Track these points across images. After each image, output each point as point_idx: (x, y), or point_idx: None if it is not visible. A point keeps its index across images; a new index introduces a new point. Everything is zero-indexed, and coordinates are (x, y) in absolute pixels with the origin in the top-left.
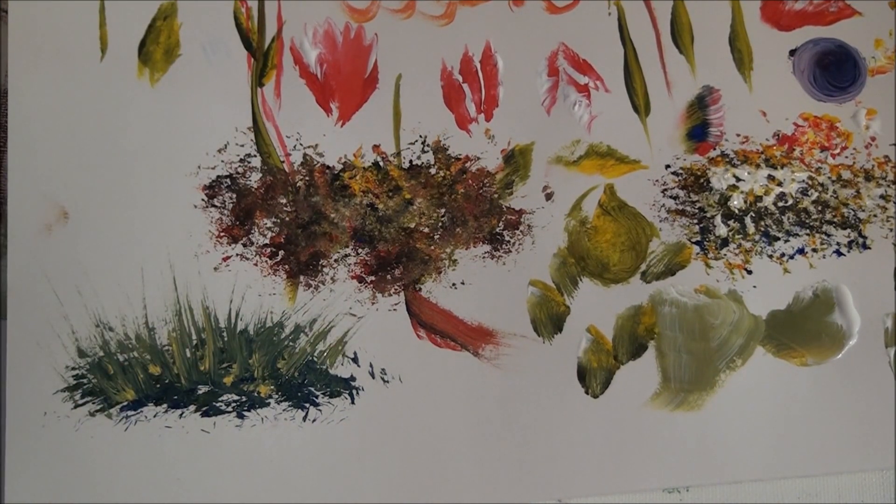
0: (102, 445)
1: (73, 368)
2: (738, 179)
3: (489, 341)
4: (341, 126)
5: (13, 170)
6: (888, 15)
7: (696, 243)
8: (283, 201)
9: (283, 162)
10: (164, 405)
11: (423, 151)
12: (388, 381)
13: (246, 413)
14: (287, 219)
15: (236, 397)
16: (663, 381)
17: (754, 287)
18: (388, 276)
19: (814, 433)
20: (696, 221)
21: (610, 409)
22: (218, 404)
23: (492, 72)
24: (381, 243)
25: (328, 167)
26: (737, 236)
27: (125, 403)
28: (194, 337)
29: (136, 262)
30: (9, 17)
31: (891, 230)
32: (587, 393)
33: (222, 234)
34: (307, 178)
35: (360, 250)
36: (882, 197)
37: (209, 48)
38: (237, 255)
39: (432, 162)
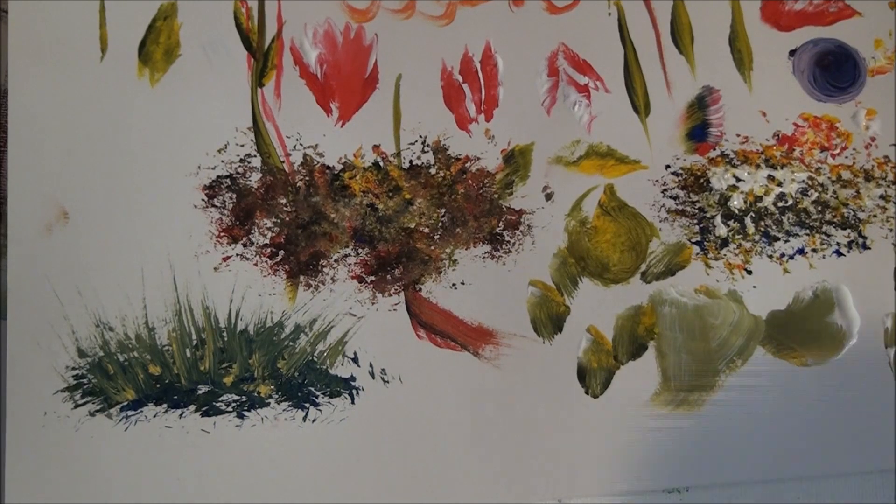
0: (102, 445)
1: (73, 368)
2: (738, 179)
3: (489, 341)
4: (341, 126)
5: (13, 170)
6: (888, 15)
7: (696, 243)
8: (283, 201)
9: (283, 162)
10: (164, 405)
11: (423, 151)
12: (388, 381)
13: (246, 413)
14: (287, 219)
15: (236, 397)
16: (663, 381)
17: (754, 287)
18: (388, 276)
19: (814, 433)
20: (696, 221)
21: (610, 409)
22: (218, 404)
23: (492, 72)
24: (381, 243)
25: (328, 167)
26: (737, 236)
27: (125, 403)
28: (194, 337)
29: (136, 262)
30: (9, 17)
31: (891, 230)
32: (587, 393)
33: (222, 234)
34: (307, 178)
35: (360, 250)
36: (882, 197)
37: (209, 48)
38: (237, 255)
39: (432, 162)
